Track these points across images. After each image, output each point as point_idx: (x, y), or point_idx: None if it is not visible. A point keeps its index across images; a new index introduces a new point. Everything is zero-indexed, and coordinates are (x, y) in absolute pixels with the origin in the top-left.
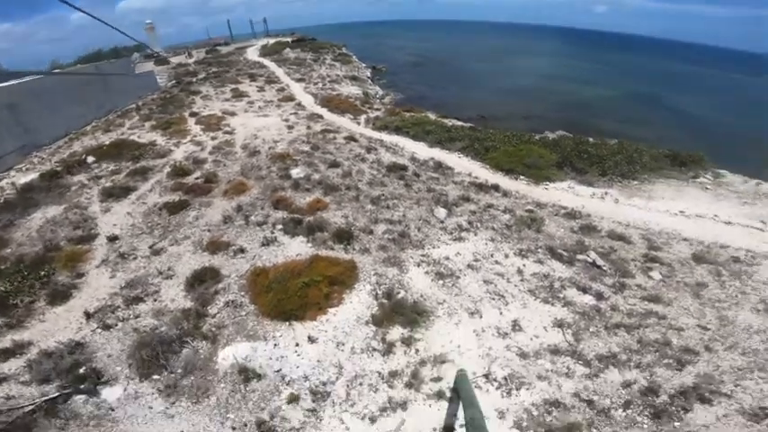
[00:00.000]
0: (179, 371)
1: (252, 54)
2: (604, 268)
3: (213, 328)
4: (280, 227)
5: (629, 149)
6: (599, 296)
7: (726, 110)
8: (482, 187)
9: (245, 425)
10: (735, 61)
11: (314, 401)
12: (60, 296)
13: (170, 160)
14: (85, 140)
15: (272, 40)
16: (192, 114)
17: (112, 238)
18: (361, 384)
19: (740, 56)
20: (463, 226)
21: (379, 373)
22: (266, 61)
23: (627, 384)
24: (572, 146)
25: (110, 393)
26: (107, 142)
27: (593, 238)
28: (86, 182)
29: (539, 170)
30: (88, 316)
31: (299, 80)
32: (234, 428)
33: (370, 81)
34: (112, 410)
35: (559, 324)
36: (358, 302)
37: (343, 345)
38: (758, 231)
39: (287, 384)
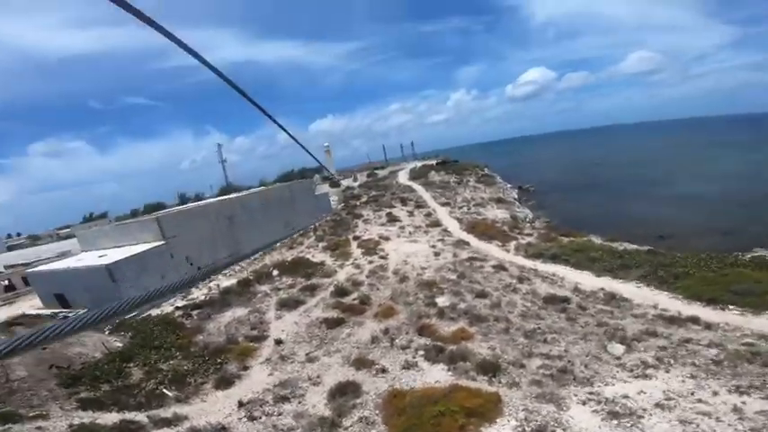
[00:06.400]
0: None
1: (402, 177)
2: None
3: None
4: (422, 353)
5: None
6: None
7: None
8: (674, 320)
9: None
10: None
11: None
12: (225, 383)
13: (334, 280)
14: (274, 255)
15: (419, 163)
16: (355, 238)
17: (279, 342)
18: None
19: None
20: (649, 362)
21: None
22: (415, 185)
23: None
24: None
25: None
26: (289, 259)
27: None
28: (269, 291)
29: (757, 297)
30: (240, 405)
31: (444, 204)
32: None
33: (517, 203)
34: None
35: None
36: None
37: None
38: None
39: None
